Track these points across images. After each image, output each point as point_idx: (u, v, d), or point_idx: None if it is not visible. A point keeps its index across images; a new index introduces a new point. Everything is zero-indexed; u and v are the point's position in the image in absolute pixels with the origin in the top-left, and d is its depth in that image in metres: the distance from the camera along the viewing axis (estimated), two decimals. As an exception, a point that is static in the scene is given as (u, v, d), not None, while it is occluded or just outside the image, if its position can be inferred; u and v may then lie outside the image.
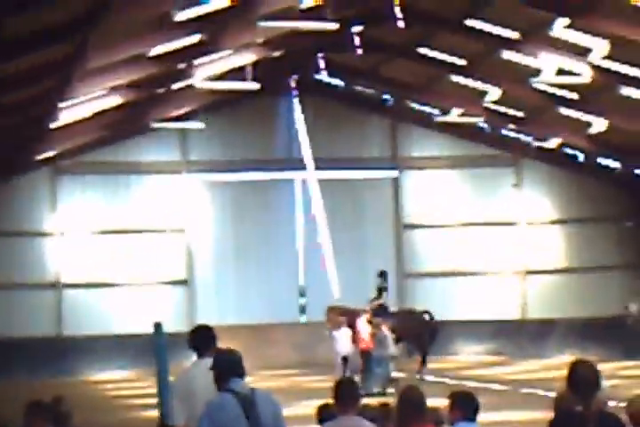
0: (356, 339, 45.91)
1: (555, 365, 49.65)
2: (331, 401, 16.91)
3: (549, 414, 15.27)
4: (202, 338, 16.13)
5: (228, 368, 14.95)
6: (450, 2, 48.15)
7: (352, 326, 47.71)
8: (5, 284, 53.60)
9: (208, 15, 41.66)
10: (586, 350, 53.65)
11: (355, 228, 62.43)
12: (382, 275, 53.21)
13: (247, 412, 14.40)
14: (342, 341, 46.25)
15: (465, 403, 16.65)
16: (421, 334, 48.52)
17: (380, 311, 49.09)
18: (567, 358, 45.09)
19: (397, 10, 50.06)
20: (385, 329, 45.89)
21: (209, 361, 15.36)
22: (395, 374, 44.22)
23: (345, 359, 45.50)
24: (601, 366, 13.84)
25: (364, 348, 44.91)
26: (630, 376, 45.18)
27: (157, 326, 37.69)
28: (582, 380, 12.99)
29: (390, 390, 40.40)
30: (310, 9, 45.14)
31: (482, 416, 16.92)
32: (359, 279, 59.11)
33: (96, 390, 46.31)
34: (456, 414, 16.50)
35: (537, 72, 53.99)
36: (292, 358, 50.64)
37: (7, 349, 41.97)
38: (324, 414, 17.99)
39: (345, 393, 16.09)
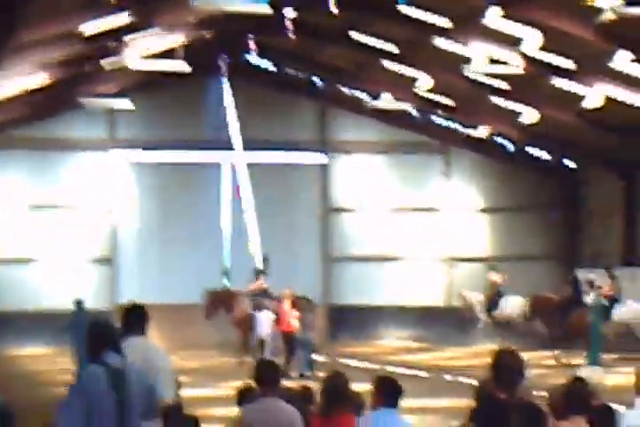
0: (278, 321, 45.97)
1: (479, 352, 49.88)
2: (251, 383, 16.94)
3: (472, 402, 15.36)
4: (135, 317, 16.09)
5: (102, 341, 14.98)
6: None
7: (230, 308, 49.08)
8: None
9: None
10: (508, 338, 53.83)
11: (282, 211, 62.55)
12: (265, 259, 54.26)
13: (116, 385, 14.45)
14: (264, 323, 46.35)
15: (388, 389, 16.72)
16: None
17: (260, 294, 49.74)
18: (492, 346, 45.22)
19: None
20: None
21: (140, 340, 15.42)
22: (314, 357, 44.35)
23: (262, 342, 45.69)
24: (526, 355, 13.91)
25: (287, 330, 44.88)
26: (552, 366, 45.38)
27: (78, 303, 37.61)
28: (506, 368, 13.05)
29: (309, 373, 40.52)
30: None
31: (404, 402, 16.96)
32: (286, 263, 59.11)
33: (16, 364, 46.22)
34: (378, 399, 16.56)
35: (468, 60, 54.10)
36: (213, 339, 50.61)
37: None
38: (245, 395, 18.03)
39: (265, 375, 16.14)
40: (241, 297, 50.00)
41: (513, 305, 49.14)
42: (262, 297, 50.03)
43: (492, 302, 52.62)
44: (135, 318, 15.96)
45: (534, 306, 53.35)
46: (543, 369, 41.03)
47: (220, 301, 50.12)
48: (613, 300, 51.34)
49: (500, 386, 13.00)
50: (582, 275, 54.37)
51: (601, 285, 52.09)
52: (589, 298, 51.01)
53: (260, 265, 53.70)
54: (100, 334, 15.09)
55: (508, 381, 12.96)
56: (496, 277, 56.17)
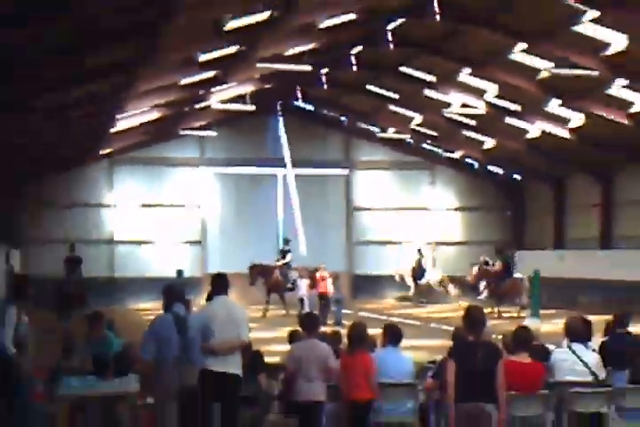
0: (315, 285, 45.95)
1: (454, 308, 49.63)
2: (298, 328, 16.99)
3: (449, 343, 15.36)
4: (220, 282, 16.12)
5: (172, 297, 15.26)
6: (388, 55, 48.02)
7: (267, 275, 50.06)
8: (77, 240, 53.48)
9: (222, 57, 41.61)
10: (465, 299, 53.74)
11: (318, 208, 62.57)
12: (286, 241, 54.10)
13: (179, 328, 14.37)
14: (302, 287, 46.50)
15: (391, 333, 16.76)
16: None
17: (285, 268, 50.11)
18: (463, 304, 45.01)
19: (353, 59, 50.22)
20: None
21: (225, 298, 15.49)
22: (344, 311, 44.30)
23: (302, 300, 45.71)
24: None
25: (322, 292, 44.88)
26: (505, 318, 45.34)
27: (179, 271, 37.22)
28: (474, 319, 13.27)
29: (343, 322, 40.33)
30: (292, 55, 45.19)
31: (403, 342, 16.94)
32: (320, 244, 59.70)
33: (135, 315, 46.28)
34: (385, 341, 16.60)
35: (448, 105, 54.17)
36: (272, 298, 50.44)
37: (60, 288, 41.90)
38: (294, 336, 18.10)
39: (308, 323, 16.20)
40: (273, 269, 50.08)
41: (432, 276, 48.81)
42: (289, 269, 50.38)
43: (418, 274, 52.25)
44: (220, 283, 15.98)
45: (480, 276, 53.64)
46: (493, 320, 40.80)
47: (258, 272, 50.15)
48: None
49: (469, 331, 13.31)
50: (482, 257, 54.61)
51: (493, 263, 52.69)
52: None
53: (285, 247, 53.94)
54: (171, 292, 15.31)
55: (475, 328, 13.25)
56: (420, 256, 56.20)
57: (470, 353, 13.24)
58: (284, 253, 52.79)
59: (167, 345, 15.31)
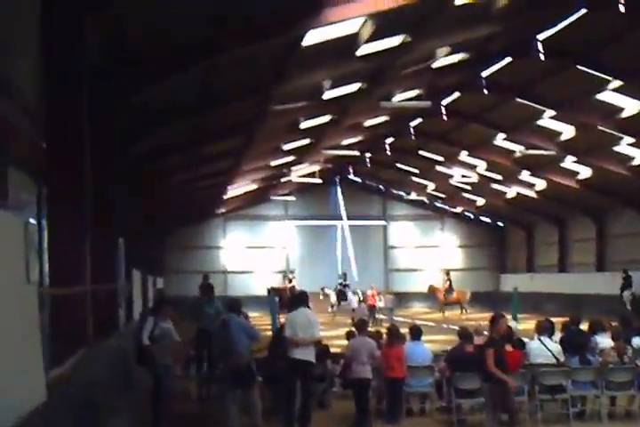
0: (365, 300, 45.80)
1: (473, 317, 49.34)
2: (353, 329, 16.94)
3: (456, 338, 15.16)
4: (302, 297, 16.06)
5: (232, 307, 15.61)
6: (411, 143, 48.02)
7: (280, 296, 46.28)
8: (200, 271, 53.40)
9: (298, 147, 41.76)
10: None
11: (365, 247, 62.46)
12: (344, 275, 53.11)
13: (225, 328, 14.94)
14: (354, 301, 46.39)
15: (415, 331, 16.64)
16: None
17: (292, 290, 47.51)
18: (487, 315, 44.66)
19: (387, 147, 50.25)
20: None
21: (305, 309, 15.45)
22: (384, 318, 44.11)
23: (353, 310, 45.44)
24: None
25: (371, 304, 44.79)
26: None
27: (269, 291, 36.85)
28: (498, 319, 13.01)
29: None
30: (346, 145, 45.37)
31: (423, 338, 16.80)
32: (366, 272, 59.50)
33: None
34: (411, 336, 16.50)
35: (452, 176, 54.03)
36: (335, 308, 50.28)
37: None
38: (350, 334, 18.02)
39: (360, 325, 16.12)
40: (285, 290, 49.02)
41: (352, 299, 47.75)
42: (347, 289, 49.91)
43: (341, 296, 51.44)
44: (301, 298, 15.92)
45: (431, 290, 54.17)
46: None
47: (276, 291, 49.12)
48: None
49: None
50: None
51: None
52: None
53: (289, 273, 54.95)
54: (232, 304, 15.33)
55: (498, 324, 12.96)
56: (448, 277, 55.37)
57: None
58: (288, 279, 53.94)
59: (224, 339, 15.42)
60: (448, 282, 53.37)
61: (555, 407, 15.72)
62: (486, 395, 13.43)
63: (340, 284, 50.91)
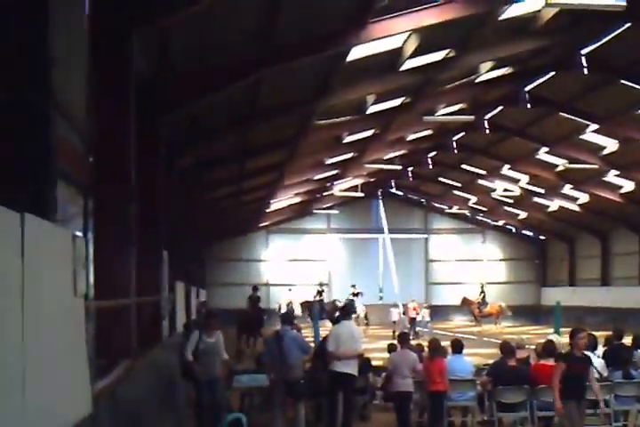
0: (406, 313, 45.53)
1: (498, 328, 49.06)
2: (394, 342, 16.93)
3: (497, 351, 15.08)
4: (346, 310, 16.21)
5: (285, 320, 15.91)
6: (453, 157, 47.94)
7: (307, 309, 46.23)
8: (244, 283, 53.49)
9: (341, 161, 41.83)
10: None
11: (407, 260, 62.30)
12: (353, 286, 51.40)
13: (279, 341, 14.98)
14: (394, 314, 46.04)
15: (457, 344, 16.56)
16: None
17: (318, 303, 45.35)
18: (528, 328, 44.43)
19: (429, 161, 50.18)
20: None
21: (348, 321, 15.56)
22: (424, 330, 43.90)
23: (394, 322, 45.09)
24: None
25: (411, 317, 44.53)
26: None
27: (302, 304, 36.00)
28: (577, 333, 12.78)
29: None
30: (388, 159, 45.34)
31: (465, 351, 16.71)
32: (408, 285, 58.90)
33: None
34: (453, 350, 16.42)
35: (494, 189, 53.88)
36: (374, 320, 49.94)
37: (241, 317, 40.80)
38: (391, 348, 18.02)
39: (404, 338, 16.11)
40: (314, 304, 47.72)
41: (393, 311, 46.94)
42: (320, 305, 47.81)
43: (482, 304, 51.25)
44: (347, 311, 16.03)
45: (464, 302, 52.90)
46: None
47: (306, 305, 48.70)
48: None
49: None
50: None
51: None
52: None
53: (320, 286, 53.66)
54: (285, 316, 15.38)
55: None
56: (483, 291, 54.53)
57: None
58: (319, 293, 52.52)
59: (282, 351, 15.35)
60: (482, 295, 52.81)
61: (597, 422, 15.57)
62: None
63: (354, 293, 50.17)
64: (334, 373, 15.07)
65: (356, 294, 49.78)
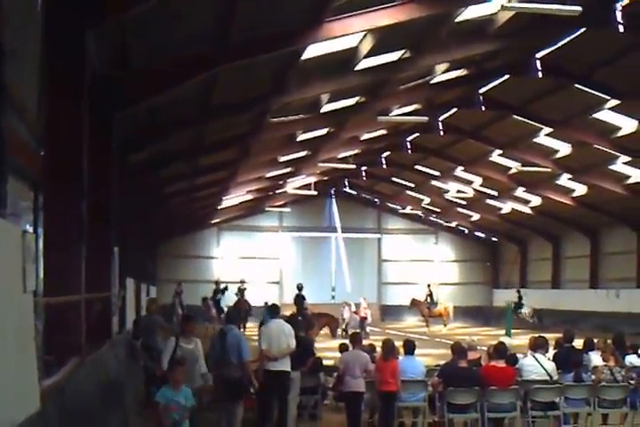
0: (357, 311, 45.48)
1: (450, 328, 49.27)
2: (346, 341, 17.00)
3: (448, 352, 15.14)
4: (275, 309, 16.23)
5: (231, 319, 15.49)
6: (407, 157, 48.11)
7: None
8: (193, 280, 53.48)
9: (295, 159, 41.81)
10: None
11: (359, 260, 62.52)
12: (300, 287, 49.81)
13: (223, 338, 14.55)
14: (345, 310, 45.81)
15: (409, 345, 16.58)
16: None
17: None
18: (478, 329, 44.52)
19: (383, 160, 50.26)
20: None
21: (277, 320, 15.53)
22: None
23: (343, 319, 44.84)
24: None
25: (362, 317, 44.54)
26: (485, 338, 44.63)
27: (266, 304, 36.56)
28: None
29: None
30: (342, 158, 45.38)
31: (417, 351, 16.75)
32: (360, 284, 59.30)
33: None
34: (405, 351, 16.45)
35: (447, 191, 54.14)
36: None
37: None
38: (343, 347, 18.04)
39: (355, 338, 16.16)
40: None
41: (344, 309, 46.85)
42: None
43: (430, 304, 51.45)
44: (274, 310, 16.21)
45: (413, 303, 52.33)
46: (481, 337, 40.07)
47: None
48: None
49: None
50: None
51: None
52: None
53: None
54: (231, 316, 15.34)
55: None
56: (429, 291, 54.22)
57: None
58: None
59: (218, 350, 15.19)
60: (429, 295, 52.72)
61: (547, 424, 15.68)
62: None
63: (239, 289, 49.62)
64: (269, 372, 15.15)
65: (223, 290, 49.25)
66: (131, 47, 17.06)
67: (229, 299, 49.21)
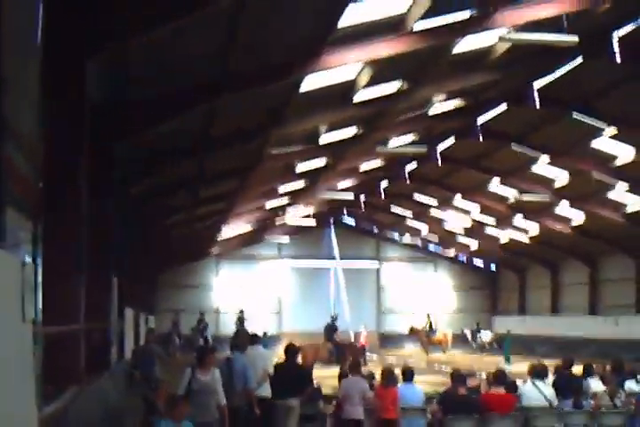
0: (357, 340, 45.44)
1: (448, 356, 49.09)
2: (347, 369, 17.04)
3: (447, 380, 15.08)
4: (255, 338, 17.15)
5: (235, 346, 15.78)
6: (405, 187, 48.10)
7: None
8: (192, 309, 53.36)
9: (294, 190, 41.89)
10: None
11: (358, 288, 62.24)
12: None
13: (229, 366, 14.79)
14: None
15: (408, 372, 16.53)
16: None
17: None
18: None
19: (382, 191, 50.32)
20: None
21: (256, 346, 15.59)
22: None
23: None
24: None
25: (363, 345, 44.43)
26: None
27: (264, 333, 36.09)
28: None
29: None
30: (341, 189, 45.49)
31: (415, 378, 16.67)
32: (359, 313, 58.71)
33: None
34: (404, 378, 16.42)
35: (445, 221, 54.23)
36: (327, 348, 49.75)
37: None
38: (342, 375, 18.04)
39: (353, 366, 16.12)
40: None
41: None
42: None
43: (429, 331, 51.48)
44: (255, 339, 17.01)
45: (412, 331, 52.30)
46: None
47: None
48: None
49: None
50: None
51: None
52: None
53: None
54: (234, 343, 15.39)
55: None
56: (429, 319, 54.07)
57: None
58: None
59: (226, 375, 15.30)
60: (428, 324, 52.62)
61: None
62: None
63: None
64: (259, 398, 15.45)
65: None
66: (132, 77, 17.11)
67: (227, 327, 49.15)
